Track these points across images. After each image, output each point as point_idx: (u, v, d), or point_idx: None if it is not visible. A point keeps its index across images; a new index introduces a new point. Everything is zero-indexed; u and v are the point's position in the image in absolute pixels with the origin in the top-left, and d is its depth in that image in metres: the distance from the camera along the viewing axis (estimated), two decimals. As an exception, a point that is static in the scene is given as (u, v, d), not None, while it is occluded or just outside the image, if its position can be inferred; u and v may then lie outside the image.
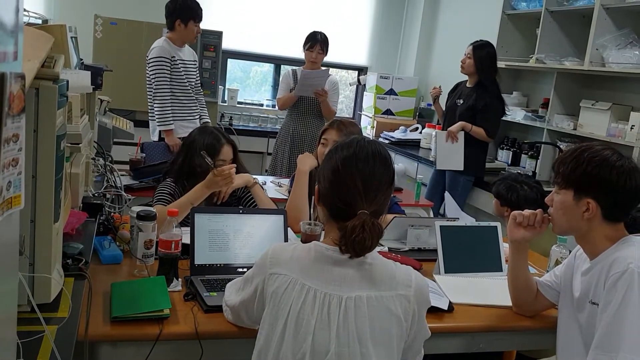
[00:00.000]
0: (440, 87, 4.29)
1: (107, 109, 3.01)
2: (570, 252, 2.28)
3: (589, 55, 3.63)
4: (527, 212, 1.78)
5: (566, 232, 1.71)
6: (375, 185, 1.30)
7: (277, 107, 4.41)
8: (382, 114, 5.72)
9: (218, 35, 5.19)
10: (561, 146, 3.95)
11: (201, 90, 4.10)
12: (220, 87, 5.50)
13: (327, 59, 4.33)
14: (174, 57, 3.73)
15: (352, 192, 1.29)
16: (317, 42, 4.10)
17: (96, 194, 2.23)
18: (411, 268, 1.37)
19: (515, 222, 1.79)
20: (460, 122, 3.86)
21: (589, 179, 1.55)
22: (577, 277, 1.72)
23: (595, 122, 3.74)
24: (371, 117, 5.69)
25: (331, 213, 1.35)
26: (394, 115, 5.76)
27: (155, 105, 3.74)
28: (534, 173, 4.13)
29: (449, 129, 3.89)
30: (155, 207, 2.12)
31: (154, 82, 3.71)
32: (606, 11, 3.57)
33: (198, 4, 3.79)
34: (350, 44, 6.08)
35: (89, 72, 2.02)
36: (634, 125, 3.40)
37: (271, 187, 3.43)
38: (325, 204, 1.36)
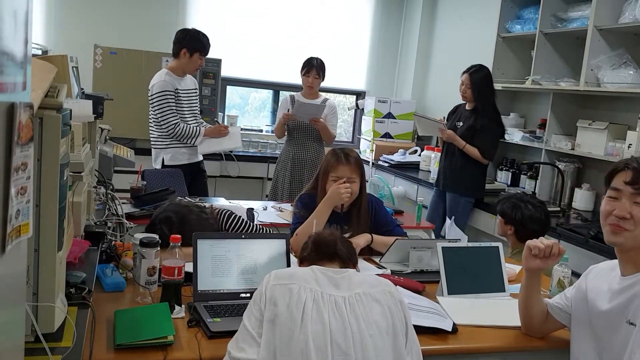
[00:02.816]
0: (444, 118, 4.30)
1: (107, 137, 3.03)
2: (571, 271, 2.29)
3: (584, 76, 3.67)
4: (542, 243, 1.78)
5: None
6: None
7: (276, 136, 4.43)
8: (381, 137, 5.75)
9: (217, 62, 5.26)
10: (560, 166, 3.97)
11: (201, 117, 4.14)
12: (219, 113, 5.55)
13: (326, 83, 4.37)
14: (177, 89, 3.77)
15: None
16: (312, 67, 4.15)
17: (98, 222, 2.23)
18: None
19: (530, 253, 1.79)
20: (456, 137, 3.90)
21: None
22: (602, 297, 1.67)
23: (592, 142, 3.76)
24: (370, 141, 5.72)
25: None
26: (392, 138, 5.79)
27: (176, 135, 3.77)
28: (534, 193, 4.14)
29: (448, 131, 3.94)
30: None
31: (162, 116, 3.74)
32: (599, 32, 3.63)
33: (208, 40, 3.85)
34: (348, 69, 6.15)
35: (91, 101, 2.04)
36: (631, 144, 3.42)
37: (272, 212, 3.44)
38: None
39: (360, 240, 2.50)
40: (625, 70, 3.52)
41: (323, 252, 1.67)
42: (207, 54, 3.88)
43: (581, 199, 3.89)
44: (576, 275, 2.86)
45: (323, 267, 1.58)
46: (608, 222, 1.61)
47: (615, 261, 1.69)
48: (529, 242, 1.79)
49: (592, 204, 3.88)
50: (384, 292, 1.52)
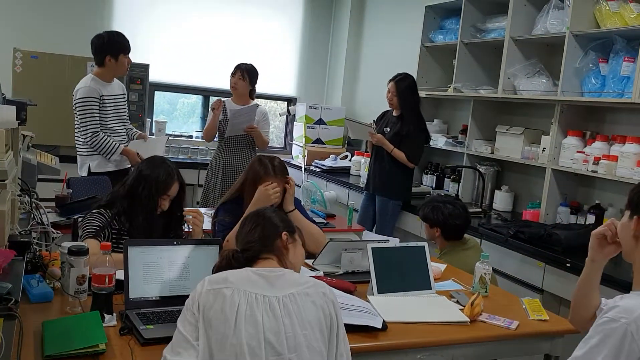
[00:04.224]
0: (373, 122, 4.42)
1: (30, 144, 2.93)
2: (492, 268, 2.43)
3: (502, 84, 3.88)
4: (610, 228, 1.63)
5: (624, 251, 1.61)
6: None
7: (205, 139, 4.39)
8: (313, 143, 5.83)
9: (145, 67, 5.16)
10: (480, 169, 4.18)
11: (129, 122, 4.05)
12: (147, 119, 5.45)
13: (256, 89, 4.38)
14: (103, 95, 3.67)
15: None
16: (238, 68, 4.18)
17: (22, 232, 2.16)
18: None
19: (600, 240, 1.65)
20: (385, 140, 4.04)
21: (636, 196, 1.54)
22: None
23: (510, 146, 3.98)
24: (302, 147, 5.79)
25: None
26: (324, 144, 5.88)
27: (93, 144, 3.65)
28: (457, 195, 4.33)
29: (377, 135, 4.06)
30: (88, 242, 2.08)
31: (82, 124, 3.63)
32: (515, 43, 3.85)
33: (124, 36, 3.76)
34: (279, 76, 6.20)
35: (14, 107, 1.98)
36: (545, 148, 3.65)
37: (204, 218, 3.41)
38: None
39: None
40: (538, 79, 3.75)
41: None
42: (130, 51, 3.79)
43: (501, 200, 4.11)
44: (496, 272, 3.05)
45: (257, 267, 1.60)
46: None
47: None
48: (598, 232, 1.65)
49: (510, 204, 4.11)
50: (318, 293, 1.55)
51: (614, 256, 1.66)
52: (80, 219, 2.45)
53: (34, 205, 2.35)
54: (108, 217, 2.32)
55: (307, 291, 1.54)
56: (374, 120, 4.36)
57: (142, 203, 2.32)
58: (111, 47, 3.67)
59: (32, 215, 2.35)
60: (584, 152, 3.37)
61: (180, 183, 2.44)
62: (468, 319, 2.06)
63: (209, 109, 4.32)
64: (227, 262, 1.65)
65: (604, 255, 1.66)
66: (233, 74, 4.20)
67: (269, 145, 4.38)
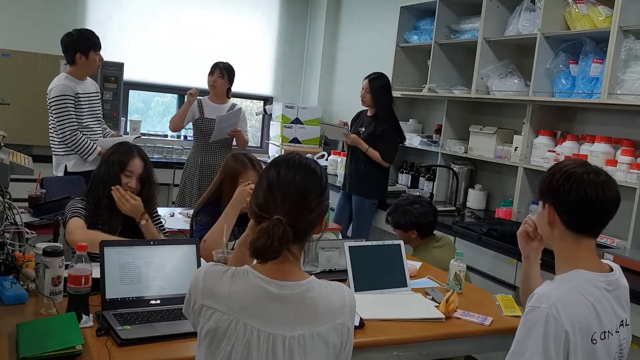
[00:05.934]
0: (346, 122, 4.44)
1: (2, 144, 2.88)
2: (466, 265, 2.47)
3: (475, 84, 3.95)
4: (530, 225, 1.71)
5: (544, 240, 1.65)
6: (293, 193, 1.29)
7: (172, 127, 4.35)
8: (290, 142, 5.84)
9: (119, 66, 5.11)
10: (454, 168, 4.24)
11: (104, 121, 4.00)
12: (122, 118, 5.39)
13: (233, 88, 4.38)
14: (77, 93, 3.63)
15: (266, 197, 1.30)
16: (217, 67, 4.19)
17: (-5, 233, 2.13)
18: (340, 284, 1.39)
19: (526, 238, 1.73)
20: (360, 140, 4.07)
21: (545, 185, 1.56)
22: None
23: (483, 145, 4.05)
24: (279, 146, 5.79)
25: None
26: (300, 143, 5.89)
27: (71, 144, 3.60)
28: (432, 194, 4.38)
29: (352, 136, 4.09)
30: (74, 220, 2.27)
31: (59, 123, 3.58)
32: (488, 44, 3.92)
33: (94, 33, 3.72)
34: (255, 75, 6.20)
35: (-14, 107, 1.96)
36: (517, 147, 3.72)
37: (180, 218, 3.41)
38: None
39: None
40: (511, 79, 3.82)
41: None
42: (101, 48, 3.75)
43: (474, 198, 4.18)
44: (470, 269, 3.10)
45: (265, 275, 1.28)
46: None
47: None
48: (521, 231, 1.73)
49: (484, 203, 4.18)
50: (335, 326, 1.30)
51: (544, 248, 1.71)
52: (61, 219, 2.48)
53: (7, 205, 2.31)
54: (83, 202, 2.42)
55: (322, 330, 1.28)
56: (346, 122, 4.36)
57: (105, 183, 2.40)
58: (80, 44, 3.63)
59: (5, 216, 2.31)
60: (554, 151, 3.45)
61: (144, 161, 2.50)
62: (443, 316, 2.10)
63: (186, 95, 4.21)
64: (279, 243, 1.23)
65: (534, 251, 1.75)
66: (211, 73, 4.20)
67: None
